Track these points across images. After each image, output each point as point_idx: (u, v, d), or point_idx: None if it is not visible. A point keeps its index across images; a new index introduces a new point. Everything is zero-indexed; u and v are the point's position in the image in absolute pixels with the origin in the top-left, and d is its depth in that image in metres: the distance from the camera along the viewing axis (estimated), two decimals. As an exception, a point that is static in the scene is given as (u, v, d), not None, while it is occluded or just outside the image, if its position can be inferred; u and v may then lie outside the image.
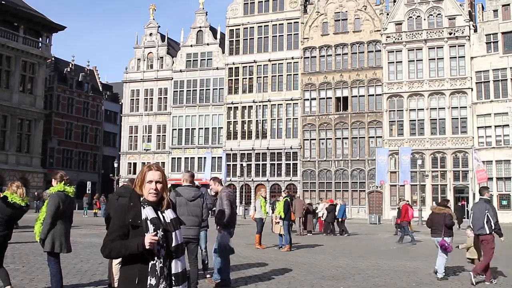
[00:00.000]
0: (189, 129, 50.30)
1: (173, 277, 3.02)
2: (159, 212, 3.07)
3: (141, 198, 3.07)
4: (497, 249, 14.61)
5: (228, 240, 8.37)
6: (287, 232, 14.93)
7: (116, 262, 6.72)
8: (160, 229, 2.99)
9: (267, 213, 16.66)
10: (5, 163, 41.33)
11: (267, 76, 47.68)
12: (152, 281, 2.92)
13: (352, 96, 44.33)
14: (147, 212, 3.01)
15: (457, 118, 41.04)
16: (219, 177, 9.27)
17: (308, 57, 46.22)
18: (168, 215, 3.09)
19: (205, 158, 47.94)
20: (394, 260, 12.72)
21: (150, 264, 2.94)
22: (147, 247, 2.88)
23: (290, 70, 46.86)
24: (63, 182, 6.60)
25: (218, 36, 50.28)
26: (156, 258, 2.94)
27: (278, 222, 15.61)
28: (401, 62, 43.19)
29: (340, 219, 22.67)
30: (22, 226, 18.62)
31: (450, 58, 41.78)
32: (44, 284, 7.80)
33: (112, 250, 2.98)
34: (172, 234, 3.04)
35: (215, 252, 8.51)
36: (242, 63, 48.48)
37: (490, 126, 39.80)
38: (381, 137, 43.03)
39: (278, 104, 46.78)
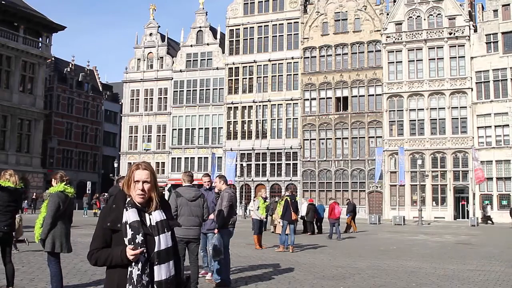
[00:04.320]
0: (189, 129, 50.31)
1: (155, 285, 2.80)
2: (146, 214, 2.88)
3: (127, 200, 2.88)
4: (499, 249, 14.67)
5: (221, 243, 8.31)
6: (283, 232, 14.81)
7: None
8: (140, 234, 2.78)
9: (267, 214, 16.58)
10: (5, 163, 41.29)
11: (267, 76, 47.68)
12: None
13: (352, 96, 44.34)
14: (129, 215, 2.81)
15: (457, 118, 41.04)
16: (224, 176, 9.26)
17: (308, 57, 46.22)
18: (155, 217, 2.88)
19: (206, 158, 48.26)
20: (394, 260, 12.71)
21: (128, 270, 2.76)
22: (130, 259, 2.74)
23: (290, 70, 46.86)
24: (63, 183, 6.60)
25: (218, 36, 50.29)
26: (133, 264, 2.76)
27: (279, 222, 15.45)
28: (401, 62, 43.20)
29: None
30: (22, 226, 18.61)
31: (450, 58, 41.78)
32: (44, 284, 7.80)
33: (98, 259, 2.84)
34: (155, 238, 2.83)
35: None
36: (242, 63, 48.49)
37: (490, 126, 39.79)
38: (381, 137, 43.02)
39: (278, 104, 46.78)
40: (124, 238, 2.79)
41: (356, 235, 22.43)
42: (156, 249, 2.83)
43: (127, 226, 2.80)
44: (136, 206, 2.88)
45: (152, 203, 2.92)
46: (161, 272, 2.83)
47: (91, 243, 2.92)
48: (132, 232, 2.78)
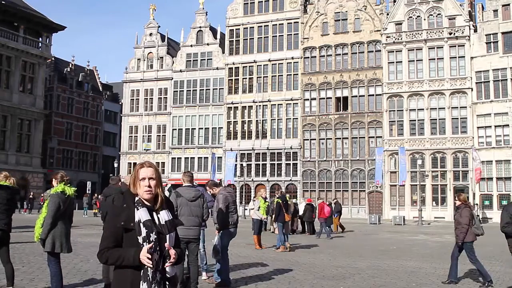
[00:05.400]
0: (189, 129, 50.30)
1: (167, 281, 2.94)
2: (154, 213, 2.98)
3: (136, 199, 2.98)
4: (499, 249, 14.67)
5: (220, 243, 8.38)
6: (281, 232, 14.85)
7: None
8: (154, 232, 2.90)
9: (267, 214, 16.59)
10: (5, 163, 41.32)
11: (267, 76, 47.67)
12: (143, 286, 2.85)
13: (352, 96, 44.33)
14: (141, 214, 2.91)
15: (457, 118, 41.04)
16: (215, 181, 9.35)
17: (308, 57, 46.22)
18: (163, 216, 3.00)
19: (206, 158, 48.27)
20: (394, 260, 12.71)
21: (142, 268, 2.86)
22: (143, 262, 2.81)
23: (290, 70, 46.85)
24: (63, 183, 6.60)
25: (218, 36, 50.28)
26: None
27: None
28: (401, 62, 43.19)
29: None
30: (22, 226, 18.61)
31: (450, 58, 41.77)
32: (44, 284, 7.80)
33: (109, 258, 2.90)
34: (166, 237, 2.95)
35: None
36: (242, 63, 48.48)
37: (490, 126, 39.79)
38: (381, 137, 43.02)
39: (278, 104, 46.78)
40: (138, 237, 2.88)
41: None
42: (167, 247, 2.94)
43: (141, 224, 2.90)
44: (145, 205, 2.97)
45: (158, 200, 3.03)
46: (172, 268, 2.97)
47: (102, 242, 2.96)
48: (146, 230, 2.89)
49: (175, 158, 50.39)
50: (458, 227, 9.17)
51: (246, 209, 37.78)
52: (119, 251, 2.89)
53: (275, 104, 46.87)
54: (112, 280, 3.06)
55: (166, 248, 2.93)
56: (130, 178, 3.07)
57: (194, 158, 49.49)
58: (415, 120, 42.12)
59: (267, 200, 18.05)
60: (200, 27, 51.37)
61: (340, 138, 44.38)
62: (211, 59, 50.33)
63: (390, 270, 10.74)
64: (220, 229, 8.48)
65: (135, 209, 2.93)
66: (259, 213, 15.84)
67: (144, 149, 51.58)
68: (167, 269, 2.94)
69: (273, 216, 20.46)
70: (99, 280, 8.27)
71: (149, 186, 2.97)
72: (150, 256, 2.81)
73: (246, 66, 48.46)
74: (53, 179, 6.72)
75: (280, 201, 15.09)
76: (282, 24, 47.57)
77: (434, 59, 42.20)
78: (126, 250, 2.88)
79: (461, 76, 41.26)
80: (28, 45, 43.43)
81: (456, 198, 9.61)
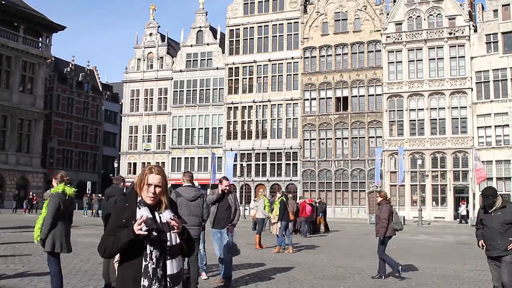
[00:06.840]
0: (189, 129, 50.30)
1: (168, 278, 2.98)
2: (156, 213, 3.04)
3: (138, 199, 3.05)
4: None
5: (232, 240, 8.46)
6: (281, 232, 14.79)
7: (115, 259, 6.70)
8: (154, 230, 2.96)
9: (270, 212, 16.59)
10: (5, 163, 41.35)
11: (267, 76, 47.67)
12: (144, 282, 2.89)
13: (352, 96, 44.33)
14: (142, 213, 2.97)
15: (457, 118, 41.03)
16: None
17: (308, 57, 46.21)
18: (166, 215, 3.06)
19: (206, 158, 48.27)
20: (394, 260, 12.69)
21: (143, 265, 2.91)
22: (137, 232, 2.84)
23: (290, 70, 46.85)
24: (63, 183, 6.60)
25: (218, 36, 50.28)
26: (148, 259, 2.92)
27: (276, 223, 15.42)
28: (401, 62, 43.18)
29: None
30: (22, 226, 18.62)
31: (450, 58, 41.77)
32: (44, 284, 7.80)
33: (106, 247, 2.96)
34: (167, 234, 3.01)
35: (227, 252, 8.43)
36: (242, 63, 48.47)
37: (490, 126, 39.78)
38: (381, 137, 43.01)
39: (278, 104, 46.77)
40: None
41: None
42: (168, 245, 3.01)
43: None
44: (147, 205, 3.05)
45: (161, 205, 3.09)
46: (173, 266, 3.01)
47: (103, 236, 3.03)
48: (147, 228, 2.94)
49: (175, 158, 50.40)
50: (379, 223, 9.63)
51: (246, 209, 37.80)
52: (115, 236, 2.94)
53: (275, 104, 46.87)
54: (116, 278, 3.13)
55: (169, 220, 2.99)
56: (138, 178, 3.13)
57: (194, 158, 49.50)
58: (415, 120, 42.11)
59: (269, 199, 18.14)
60: (200, 27, 51.37)
61: (340, 138, 44.38)
62: (211, 59, 50.33)
63: (390, 270, 10.72)
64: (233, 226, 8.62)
65: (137, 208, 3.01)
66: (265, 211, 15.87)
67: (144, 149, 51.59)
68: (168, 266, 2.99)
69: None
70: (99, 280, 8.27)
71: (154, 193, 3.03)
72: (143, 223, 2.85)
73: (246, 66, 48.46)
74: (53, 179, 6.71)
75: (285, 200, 15.06)
76: (282, 24, 47.57)
77: (434, 59, 42.19)
78: (121, 232, 2.93)
79: (461, 76, 41.26)
80: (28, 45, 43.44)
81: (378, 195, 10.10)
